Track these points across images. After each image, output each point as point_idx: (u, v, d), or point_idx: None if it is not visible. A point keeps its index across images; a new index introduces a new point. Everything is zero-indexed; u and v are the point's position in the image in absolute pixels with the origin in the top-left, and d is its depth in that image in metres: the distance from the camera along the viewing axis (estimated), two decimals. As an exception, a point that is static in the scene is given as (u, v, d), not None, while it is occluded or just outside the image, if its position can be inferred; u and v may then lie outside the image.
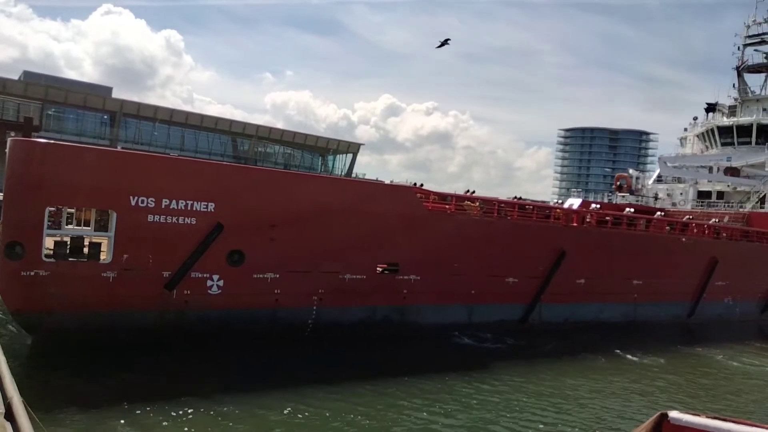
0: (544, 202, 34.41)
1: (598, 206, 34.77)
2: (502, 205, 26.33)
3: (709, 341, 29.20)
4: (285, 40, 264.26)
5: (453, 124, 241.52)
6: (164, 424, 13.27)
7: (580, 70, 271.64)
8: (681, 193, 44.81)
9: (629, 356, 24.52)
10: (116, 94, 79.13)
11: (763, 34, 45.21)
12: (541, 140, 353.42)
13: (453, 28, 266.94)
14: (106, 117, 74.36)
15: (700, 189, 44.69)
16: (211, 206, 19.27)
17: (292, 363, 19.26)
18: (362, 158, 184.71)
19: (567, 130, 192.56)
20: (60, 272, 17.43)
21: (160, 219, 18.57)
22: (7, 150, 17.15)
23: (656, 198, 45.12)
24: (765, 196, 40.97)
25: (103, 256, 18.42)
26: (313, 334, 21.53)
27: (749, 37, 45.82)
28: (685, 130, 49.24)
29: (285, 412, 14.59)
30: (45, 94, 68.26)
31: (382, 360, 20.60)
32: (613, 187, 46.48)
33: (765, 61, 45.34)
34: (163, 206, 18.59)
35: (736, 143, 43.66)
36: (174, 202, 18.74)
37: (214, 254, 19.37)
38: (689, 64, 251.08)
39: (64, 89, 70.39)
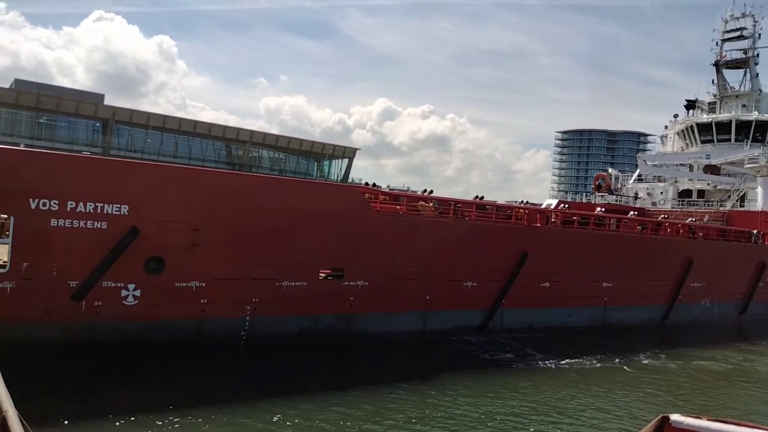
0: (510, 202, 31.84)
1: (567, 206, 32.19)
2: (459, 205, 23.82)
3: (691, 344, 26.81)
4: (278, 45, 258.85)
5: (450, 127, 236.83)
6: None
7: (575, 72, 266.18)
8: (661, 192, 42.13)
9: (615, 362, 22.35)
10: (109, 101, 77.01)
11: (741, 28, 42.38)
12: (540, 143, 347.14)
13: (446, 30, 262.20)
14: (98, 124, 72.21)
15: (681, 188, 42.04)
16: (125, 209, 16.93)
17: (274, 371, 17.93)
18: (358, 163, 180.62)
19: (564, 133, 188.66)
20: (-53, 283, 15.11)
21: (64, 223, 16.25)
22: None
23: (636, 197, 42.48)
24: (745, 194, 38.29)
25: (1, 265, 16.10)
26: (248, 346, 19.10)
27: (727, 32, 42.95)
28: (666, 127, 46.51)
29: (274, 420, 13.76)
30: (37, 102, 66.34)
31: (371, 368, 19.11)
32: (592, 187, 43.83)
33: (743, 56, 42.55)
34: (68, 209, 16.27)
35: (715, 140, 40.97)
36: (81, 204, 16.43)
37: (129, 261, 17.01)
38: (683, 65, 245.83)
39: (56, 97, 68.26)
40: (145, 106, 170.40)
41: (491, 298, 24.08)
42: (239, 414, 13.91)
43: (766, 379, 22.35)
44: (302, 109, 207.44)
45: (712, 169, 40.24)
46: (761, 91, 42.39)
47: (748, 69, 42.79)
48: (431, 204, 23.15)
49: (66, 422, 12.60)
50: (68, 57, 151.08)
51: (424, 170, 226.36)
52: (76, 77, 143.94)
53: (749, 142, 38.80)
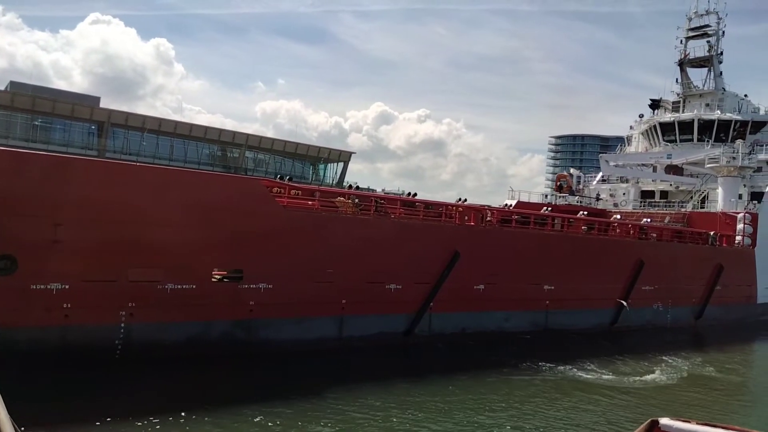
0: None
1: (512, 204, 28.58)
2: (382, 201, 20.37)
3: (640, 349, 23.19)
4: (276, 50, 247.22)
5: (446, 131, 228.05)
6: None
7: (569, 77, 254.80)
8: (624, 193, 38.36)
9: (560, 368, 19.03)
10: (106, 103, 73.86)
11: (705, 26, 38.57)
12: (535, 148, 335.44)
13: (441, 36, 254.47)
14: (93, 127, 69.13)
15: (643, 188, 38.25)
16: (-35, 201, 13.64)
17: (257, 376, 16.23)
18: (354, 166, 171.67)
19: (558, 138, 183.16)
20: None
21: None
22: None
23: (598, 198, 38.74)
24: (706, 195, 34.50)
25: None
26: (125, 355, 15.74)
27: (691, 29, 39.13)
28: (631, 128, 42.74)
29: (256, 420, 12.58)
30: (32, 105, 63.31)
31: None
32: (554, 187, 40.15)
33: (707, 54, 38.70)
34: None
35: (678, 140, 37.16)
36: None
37: (-30, 261, 13.72)
38: (674, 70, 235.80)
39: (51, 99, 65.17)
40: (143, 109, 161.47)
41: (418, 301, 20.59)
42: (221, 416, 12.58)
43: (722, 384, 19.32)
44: (299, 113, 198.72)
45: (674, 170, 36.51)
46: (725, 90, 38.47)
47: (711, 67, 38.91)
48: (350, 200, 19.73)
49: (56, 424, 11.42)
50: (65, 59, 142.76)
51: (419, 174, 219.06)
52: (73, 80, 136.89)
53: (711, 141, 35.03)
